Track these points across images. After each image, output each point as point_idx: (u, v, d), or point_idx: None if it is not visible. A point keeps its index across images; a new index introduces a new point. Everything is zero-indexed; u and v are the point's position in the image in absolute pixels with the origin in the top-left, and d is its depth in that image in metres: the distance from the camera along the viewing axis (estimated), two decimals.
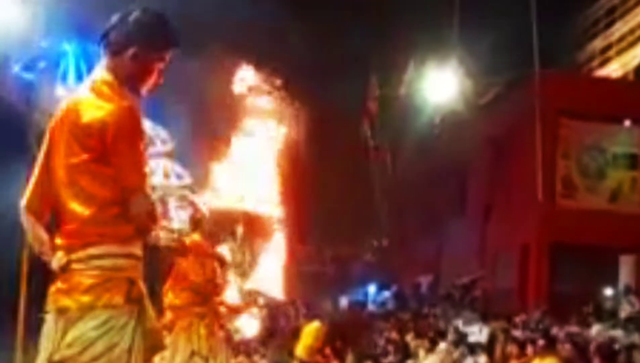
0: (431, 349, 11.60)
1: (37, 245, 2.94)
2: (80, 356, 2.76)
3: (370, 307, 23.62)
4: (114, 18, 2.92)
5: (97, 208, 2.80)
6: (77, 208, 2.82)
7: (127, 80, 2.90)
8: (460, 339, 12.02)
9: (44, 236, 2.93)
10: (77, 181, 2.82)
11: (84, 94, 2.89)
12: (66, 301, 2.81)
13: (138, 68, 2.91)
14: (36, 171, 2.97)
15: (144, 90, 2.98)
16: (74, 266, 2.81)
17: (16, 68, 12.06)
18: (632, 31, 21.67)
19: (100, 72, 2.92)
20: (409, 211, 24.55)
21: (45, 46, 12.74)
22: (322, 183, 23.78)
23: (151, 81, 2.98)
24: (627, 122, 17.27)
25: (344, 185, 25.63)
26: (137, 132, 2.81)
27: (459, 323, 13.58)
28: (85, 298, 2.78)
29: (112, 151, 2.76)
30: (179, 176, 15.34)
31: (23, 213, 2.97)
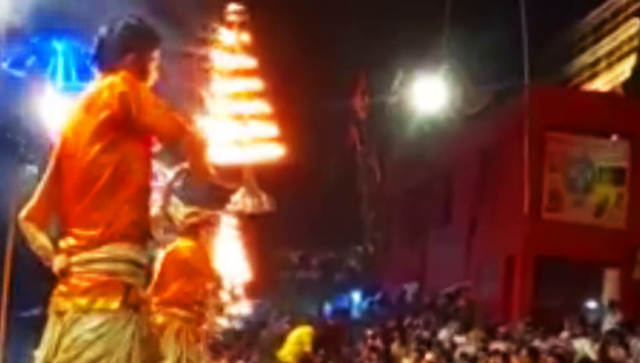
0: (418, 360, 11.57)
1: (41, 253, 2.97)
2: (77, 359, 2.77)
3: (355, 314, 23.61)
4: (100, 33, 3.00)
5: (100, 211, 2.83)
6: (82, 210, 2.86)
7: None
8: (443, 352, 12.00)
9: (47, 243, 2.96)
10: (86, 181, 2.86)
11: (90, 89, 2.98)
12: (65, 304, 2.83)
13: (138, 72, 2.97)
14: (45, 180, 3.03)
15: None
16: (74, 269, 2.84)
17: (4, 64, 11.96)
18: (620, 46, 21.84)
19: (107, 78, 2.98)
20: (395, 218, 24.57)
21: (35, 42, 12.63)
22: (308, 188, 23.76)
23: (149, 82, 3.05)
24: (615, 137, 17.37)
25: (331, 191, 25.62)
26: (147, 89, 2.93)
27: (445, 333, 13.58)
28: (82, 301, 2.80)
29: (140, 114, 2.81)
30: (165, 177, 15.20)
31: (23, 222, 3.00)
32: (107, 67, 2.97)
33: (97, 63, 3.00)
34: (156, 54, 3.05)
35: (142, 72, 2.99)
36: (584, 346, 10.73)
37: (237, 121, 8.09)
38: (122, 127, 2.82)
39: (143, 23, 3.04)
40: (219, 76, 8.65)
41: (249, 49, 8.46)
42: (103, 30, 3.00)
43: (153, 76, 3.05)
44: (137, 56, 2.97)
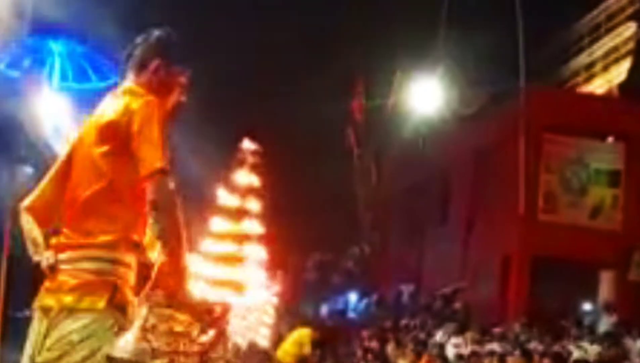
0: (414, 362, 11.59)
1: (31, 246, 2.97)
2: (61, 360, 2.76)
3: (351, 315, 23.61)
4: (137, 39, 3.10)
5: (93, 219, 2.84)
6: (73, 208, 2.88)
7: (150, 94, 2.98)
8: (439, 353, 12.00)
9: (39, 238, 2.96)
10: (83, 183, 2.88)
11: (110, 99, 3.01)
12: (50, 301, 2.83)
13: (160, 82, 3.03)
14: (50, 176, 3.04)
15: (167, 106, 3.06)
16: (61, 266, 2.84)
17: (1, 65, 11.98)
18: (616, 48, 21.89)
19: (129, 83, 3.05)
20: (392, 219, 24.58)
21: (31, 43, 12.65)
22: (305, 189, 23.76)
23: (173, 98, 3.08)
24: (610, 139, 17.41)
25: (327, 192, 25.62)
26: (162, 122, 2.87)
27: (441, 334, 13.59)
28: (68, 299, 2.79)
29: (135, 135, 2.80)
30: None
31: (23, 211, 3.00)
32: (133, 70, 3.03)
33: (126, 66, 3.07)
34: (184, 72, 3.08)
35: (163, 85, 3.02)
36: (591, 350, 10.72)
37: (226, 262, 7.76)
38: (124, 138, 2.83)
39: (176, 38, 3.10)
40: (220, 215, 8.18)
41: (256, 192, 8.13)
42: (139, 38, 3.10)
43: (176, 95, 3.07)
44: (162, 64, 3.02)
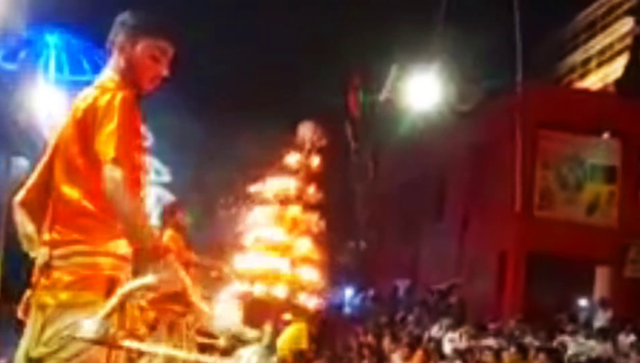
0: (409, 356, 11.58)
1: (25, 242, 2.95)
2: (57, 354, 2.74)
3: (347, 310, 23.63)
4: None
5: (77, 204, 2.81)
6: (61, 204, 2.85)
7: (124, 74, 2.94)
8: (434, 348, 12.01)
9: (33, 233, 2.93)
10: (65, 177, 2.84)
11: (90, 91, 2.94)
12: (46, 298, 2.80)
13: (127, 60, 2.94)
14: (38, 169, 3.01)
15: (145, 84, 2.99)
16: (56, 263, 2.81)
17: None
18: (612, 45, 21.93)
19: (106, 71, 3.00)
20: (388, 215, 24.59)
21: (27, 36, 12.59)
22: None
23: (149, 74, 2.98)
24: (606, 135, 17.42)
25: (324, 188, 25.61)
26: (126, 116, 2.78)
27: (437, 329, 13.61)
28: (64, 295, 2.77)
29: (96, 129, 2.75)
30: (157, 173, 15.17)
31: (16, 206, 2.98)
32: (108, 52, 2.99)
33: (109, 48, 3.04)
34: (156, 44, 2.93)
35: (132, 63, 2.92)
36: (589, 345, 10.74)
37: (272, 251, 7.40)
38: (91, 136, 2.77)
39: (142, 14, 2.98)
40: (271, 201, 7.68)
41: (313, 177, 7.64)
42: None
43: (152, 70, 2.95)
44: (126, 42, 2.93)
